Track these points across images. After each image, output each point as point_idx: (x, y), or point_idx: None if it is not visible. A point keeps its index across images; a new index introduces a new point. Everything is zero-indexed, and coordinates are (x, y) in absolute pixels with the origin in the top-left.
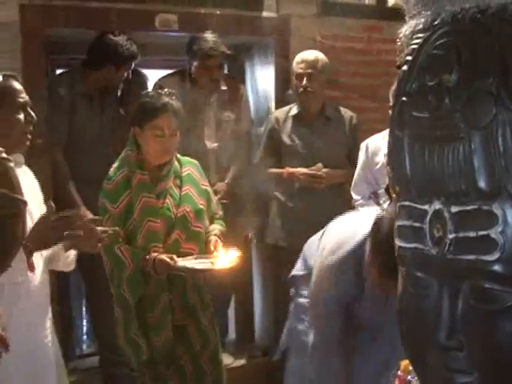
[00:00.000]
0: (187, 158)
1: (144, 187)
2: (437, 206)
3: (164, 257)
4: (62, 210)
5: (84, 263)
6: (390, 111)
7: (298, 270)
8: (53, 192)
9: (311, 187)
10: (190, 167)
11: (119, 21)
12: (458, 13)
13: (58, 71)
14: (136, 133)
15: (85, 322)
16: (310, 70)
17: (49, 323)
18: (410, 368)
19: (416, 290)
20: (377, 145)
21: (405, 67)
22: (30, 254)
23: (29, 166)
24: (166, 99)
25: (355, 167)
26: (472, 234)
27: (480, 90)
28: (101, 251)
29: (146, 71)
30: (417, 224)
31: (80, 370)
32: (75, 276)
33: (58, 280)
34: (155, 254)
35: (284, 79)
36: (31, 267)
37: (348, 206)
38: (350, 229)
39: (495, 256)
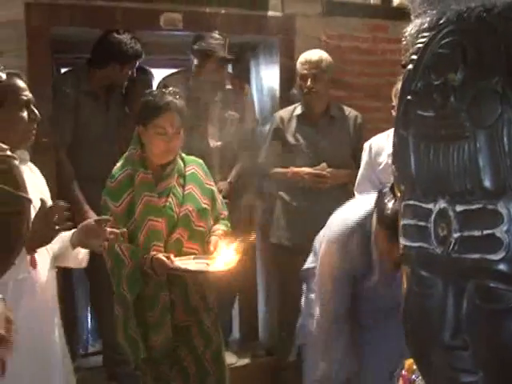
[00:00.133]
0: (192, 157)
1: (146, 186)
2: (442, 204)
3: (161, 256)
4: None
5: (88, 262)
6: (393, 111)
7: (309, 263)
8: (57, 190)
9: (316, 187)
10: (194, 166)
11: (124, 20)
12: (463, 12)
13: (63, 70)
14: (140, 131)
15: (89, 321)
16: (314, 71)
17: (56, 320)
18: (414, 367)
19: (420, 289)
20: (380, 145)
21: (410, 66)
22: (31, 251)
23: (33, 163)
24: (170, 98)
25: (360, 167)
26: (477, 233)
27: (485, 88)
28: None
29: (150, 70)
30: (421, 223)
31: (83, 369)
32: (80, 275)
33: (63, 279)
34: (153, 253)
35: (289, 79)
36: (33, 263)
37: None
38: (352, 209)
39: (500, 255)
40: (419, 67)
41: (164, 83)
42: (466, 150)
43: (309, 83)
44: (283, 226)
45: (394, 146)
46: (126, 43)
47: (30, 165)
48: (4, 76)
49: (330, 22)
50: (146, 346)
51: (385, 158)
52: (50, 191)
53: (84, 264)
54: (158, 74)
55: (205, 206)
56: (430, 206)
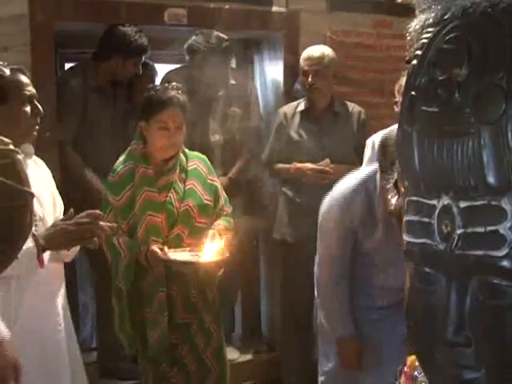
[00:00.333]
0: (195, 153)
1: (146, 181)
2: (445, 201)
3: (155, 247)
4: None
5: (94, 256)
6: (395, 106)
7: None
8: (62, 186)
9: (319, 183)
10: (197, 162)
11: (128, 14)
12: (468, 7)
13: (67, 65)
14: (142, 126)
15: (89, 319)
16: (316, 67)
17: (62, 311)
18: (417, 364)
19: (424, 285)
20: None
21: (414, 62)
22: (41, 251)
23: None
24: (172, 93)
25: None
26: (480, 230)
27: (490, 84)
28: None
29: (154, 65)
30: (425, 219)
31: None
32: (81, 275)
33: (66, 278)
34: (151, 247)
35: (293, 74)
36: (41, 263)
37: None
38: (355, 175)
39: (504, 251)
40: (424, 63)
41: (167, 78)
42: (470, 145)
43: (310, 79)
44: (286, 221)
45: (398, 141)
46: (130, 36)
47: (36, 158)
48: (7, 71)
49: (335, 17)
50: (143, 341)
51: None
52: (56, 185)
53: (70, 258)
54: (162, 70)
55: (206, 202)
56: (434, 202)
